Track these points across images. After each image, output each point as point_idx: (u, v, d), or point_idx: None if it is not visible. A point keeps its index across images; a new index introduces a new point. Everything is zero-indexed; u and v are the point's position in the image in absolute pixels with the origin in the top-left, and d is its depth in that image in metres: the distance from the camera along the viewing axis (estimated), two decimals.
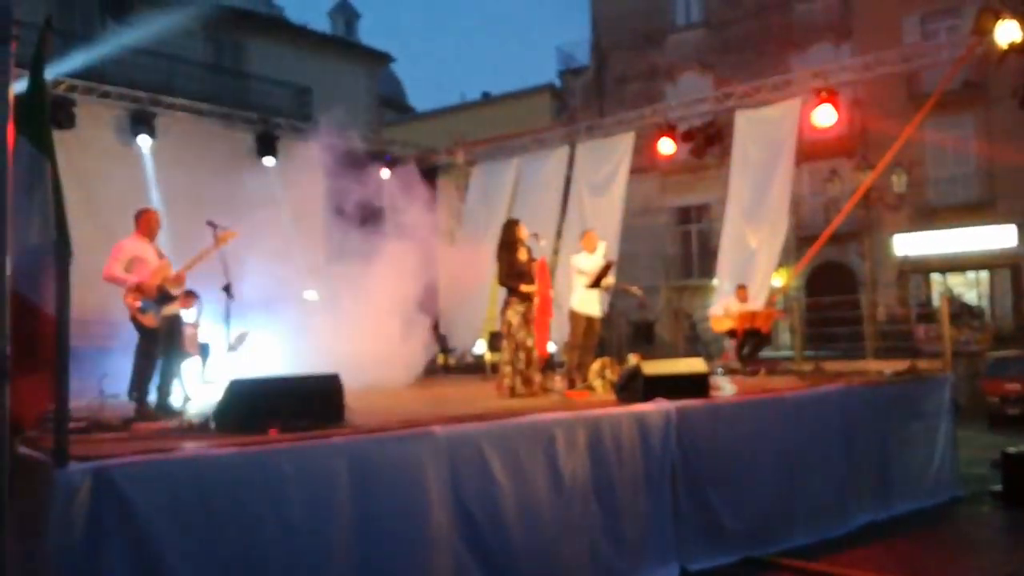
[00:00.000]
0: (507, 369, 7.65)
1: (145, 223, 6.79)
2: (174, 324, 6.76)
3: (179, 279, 6.68)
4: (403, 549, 4.38)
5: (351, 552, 4.17)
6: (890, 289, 21.53)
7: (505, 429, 5.11)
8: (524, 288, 7.71)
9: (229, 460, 3.91)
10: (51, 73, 11.16)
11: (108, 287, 8.26)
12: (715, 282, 12.80)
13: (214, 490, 3.79)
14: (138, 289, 6.48)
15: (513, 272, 7.75)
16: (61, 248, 3.49)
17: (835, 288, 20.70)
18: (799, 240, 19.80)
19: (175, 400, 6.76)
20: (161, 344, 6.61)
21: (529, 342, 7.64)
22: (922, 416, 8.21)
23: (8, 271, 3.05)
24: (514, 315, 7.69)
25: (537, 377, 7.63)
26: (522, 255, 7.82)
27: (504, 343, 7.75)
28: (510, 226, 8.00)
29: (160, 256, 6.75)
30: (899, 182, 20.18)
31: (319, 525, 4.07)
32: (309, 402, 5.00)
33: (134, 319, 6.57)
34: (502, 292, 8.02)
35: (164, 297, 6.58)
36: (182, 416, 6.02)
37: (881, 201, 20.75)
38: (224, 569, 3.76)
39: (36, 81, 3.60)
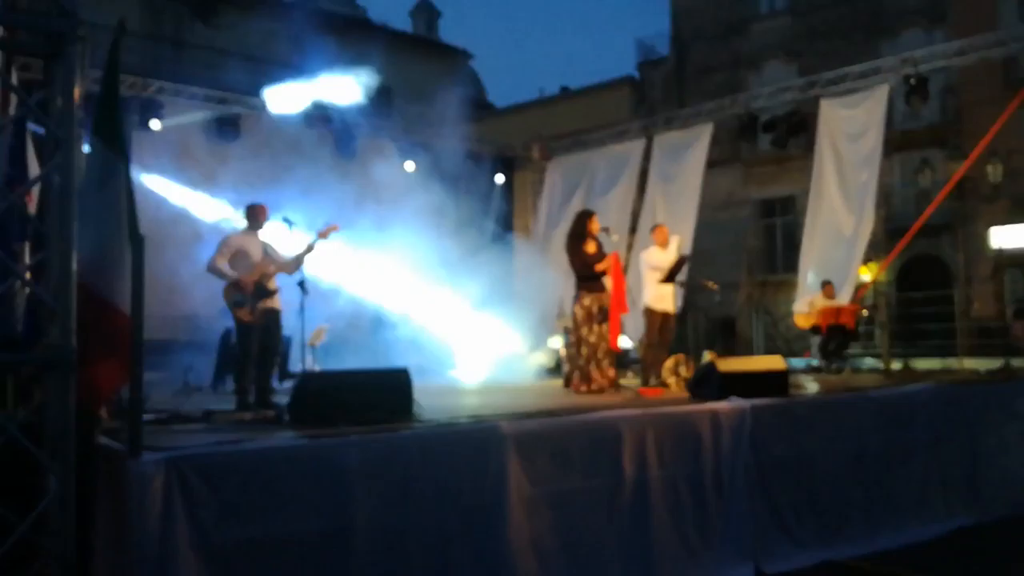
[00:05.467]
0: (571, 365, 7.61)
1: (254, 217, 6.97)
2: (271, 319, 6.84)
3: (282, 270, 6.84)
4: (468, 543, 4.38)
5: (416, 545, 4.20)
6: (985, 284, 20.60)
7: (573, 425, 5.06)
8: (592, 281, 7.64)
9: (296, 451, 3.99)
10: (140, 75, 11.57)
11: (192, 283, 8.54)
12: (799, 277, 12.45)
13: (281, 481, 3.85)
14: (237, 284, 6.66)
15: (581, 264, 7.68)
16: (136, 246, 3.59)
17: (927, 283, 19.95)
18: (889, 233, 19.09)
19: (272, 394, 6.84)
20: (256, 339, 6.75)
21: (592, 338, 7.55)
22: (1018, 417, 7.82)
23: (75, 267, 3.15)
24: (579, 309, 7.63)
25: (597, 374, 7.51)
26: (591, 247, 7.74)
27: (570, 337, 7.71)
28: (582, 217, 7.93)
29: (266, 251, 6.91)
30: (995, 172, 19.29)
31: (384, 517, 4.10)
32: (379, 396, 5.05)
33: (231, 312, 6.75)
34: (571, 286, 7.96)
35: (261, 292, 6.73)
36: (266, 410, 6.12)
37: (975, 192, 19.87)
38: (289, 561, 3.82)
39: (110, 82, 3.72)
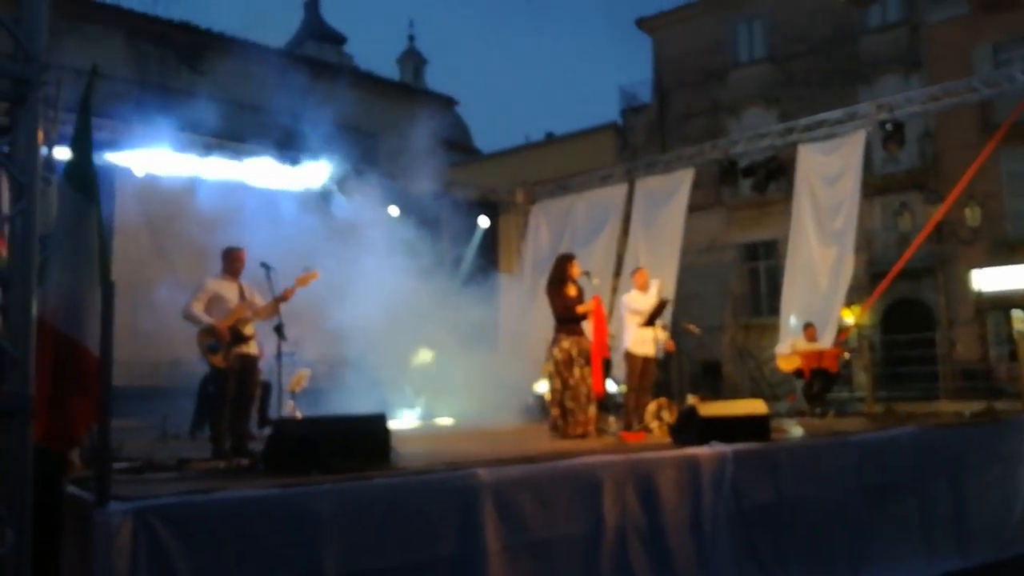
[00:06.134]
0: (554, 409, 7.58)
1: (230, 262, 6.95)
2: (246, 364, 6.78)
3: (259, 315, 6.79)
4: None
5: None
6: (968, 326, 20.70)
7: (552, 472, 5.01)
8: (571, 323, 7.65)
9: (267, 501, 3.91)
10: (126, 122, 11.59)
11: (174, 327, 8.49)
12: (781, 320, 12.49)
13: (252, 531, 3.78)
14: (211, 330, 6.61)
15: (562, 307, 7.69)
16: (106, 290, 3.57)
17: (911, 326, 20.03)
18: (872, 276, 19.24)
19: (250, 441, 6.76)
20: (232, 384, 6.67)
21: (572, 381, 7.54)
22: (1002, 460, 7.81)
23: (35, 312, 3.13)
24: (559, 352, 7.62)
25: (583, 417, 7.50)
26: (571, 291, 7.76)
27: (551, 381, 7.69)
28: (561, 262, 7.95)
29: (243, 294, 6.86)
30: (972, 215, 19.54)
31: (357, 568, 4.03)
32: (355, 443, 5.00)
33: (206, 358, 6.69)
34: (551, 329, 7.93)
35: (236, 338, 6.67)
36: (241, 458, 6.03)
37: (955, 235, 20.09)
38: None
39: (82, 127, 3.73)
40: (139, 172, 11.31)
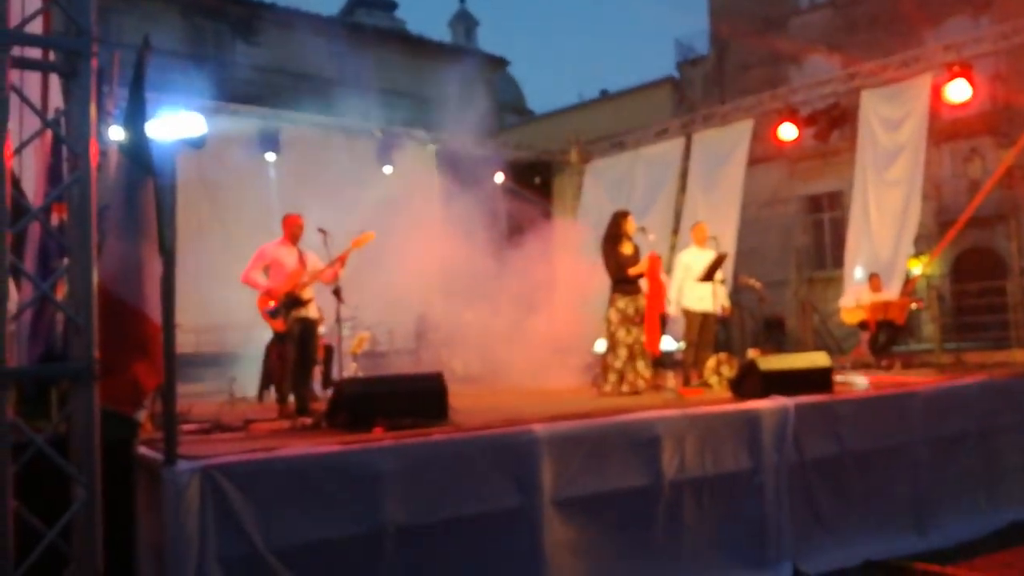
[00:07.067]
0: (604, 367, 7.57)
1: (288, 228, 7.12)
2: (306, 328, 6.95)
3: (318, 279, 6.93)
4: (502, 547, 4.37)
5: (447, 550, 4.20)
6: None
7: (609, 427, 5.02)
8: (627, 283, 7.59)
9: (327, 458, 4.02)
10: (183, 94, 11.79)
11: (240, 294, 8.72)
12: (845, 272, 12.23)
13: (315, 488, 3.89)
14: (269, 294, 6.82)
15: (616, 266, 7.63)
16: (167, 258, 3.68)
17: (983, 274, 19.42)
18: (941, 225, 18.66)
19: (313, 401, 6.94)
20: (293, 347, 6.84)
21: (627, 339, 7.48)
22: None
23: (96, 279, 3.23)
24: (614, 312, 7.56)
25: (632, 375, 7.45)
26: (626, 248, 7.68)
27: (606, 340, 7.66)
28: (617, 218, 7.87)
29: (302, 260, 7.01)
30: None
31: (417, 523, 4.12)
32: (414, 401, 5.10)
33: (267, 323, 6.90)
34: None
35: (293, 302, 6.84)
36: (305, 417, 6.19)
37: None
38: (323, 568, 3.85)
39: (136, 99, 3.81)
40: (198, 143, 11.49)
